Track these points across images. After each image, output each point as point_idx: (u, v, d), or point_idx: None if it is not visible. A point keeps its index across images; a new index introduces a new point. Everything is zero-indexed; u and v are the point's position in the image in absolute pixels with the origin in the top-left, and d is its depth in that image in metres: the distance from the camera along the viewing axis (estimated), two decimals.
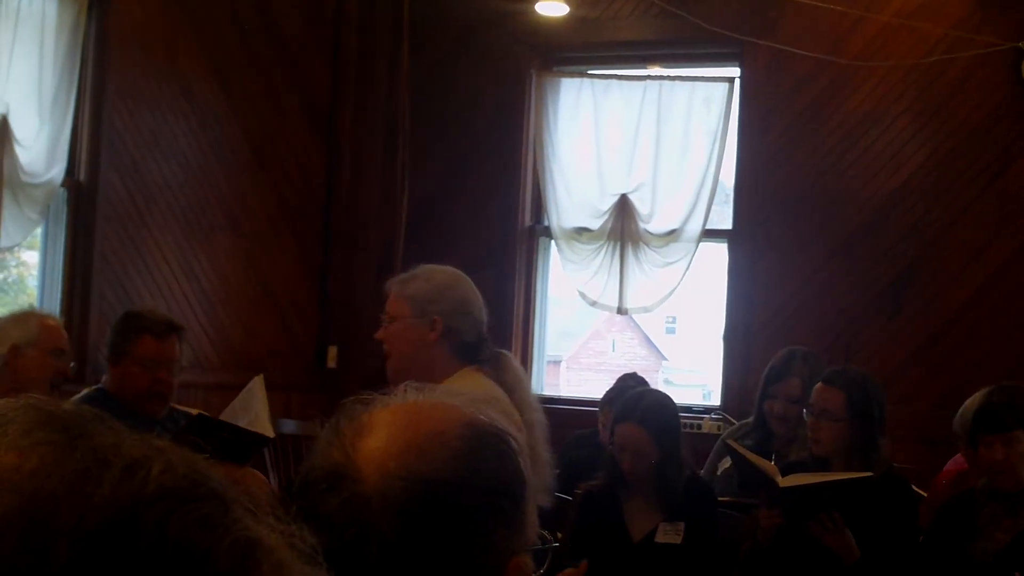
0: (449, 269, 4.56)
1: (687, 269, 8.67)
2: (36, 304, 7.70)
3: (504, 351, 4.68)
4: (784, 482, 5.19)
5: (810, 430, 5.46)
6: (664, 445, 5.38)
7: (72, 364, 5.58)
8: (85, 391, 5.39)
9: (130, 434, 0.89)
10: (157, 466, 0.85)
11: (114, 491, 0.82)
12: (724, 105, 8.63)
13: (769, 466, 5.38)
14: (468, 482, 1.54)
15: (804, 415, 5.55)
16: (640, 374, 7.47)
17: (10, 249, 7.77)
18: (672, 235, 8.66)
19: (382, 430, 1.58)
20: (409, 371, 4.21)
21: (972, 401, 5.35)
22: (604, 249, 8.78)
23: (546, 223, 9.08)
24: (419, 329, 4.40)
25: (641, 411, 5.42)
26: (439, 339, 4.40)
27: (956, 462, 6.20)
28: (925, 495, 6.06)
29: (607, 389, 6.98)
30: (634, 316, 10.06)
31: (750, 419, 6.51)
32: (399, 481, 1.51)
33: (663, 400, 5.65)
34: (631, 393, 5.88)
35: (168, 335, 5.30)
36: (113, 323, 5.52)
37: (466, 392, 4.34)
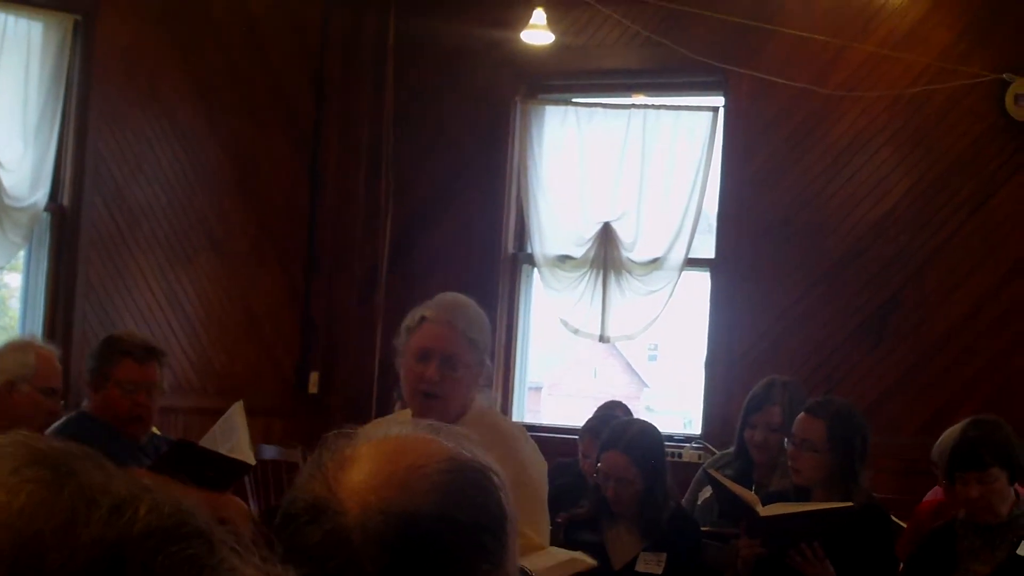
0: (471, 300, 4.38)
1: (669, 297, 8.67)
2: (18, 327, 7.69)
3: None
4: (765, 511, 5.19)
5: (791, 459, 5.46)
6: (649, 474, 5.38)
7: (62, 403, 5.57)
8: (67, 416, 5.38)
9: (118, 472, 0.89)
10: (144, 506, 0.85)
11: (101, 531, 0.82)
12: (708, 134, 8.65)
13: (750, 495, 5.39)
14: (449, 517, 1.53)
15: (785, 444, 5.55)
16: (622, 400, 7.47)
17: None
18: (655, 263, 8.66)
19: (364, 463, 1.57)
20: (450, 414, 4.08)
21: (949, 434, 5.36)
22: (587, 277, 8.77)
23: (529, 250, 9.08)
24: (476, 377, 4.23)
25: (627, 440, 5.43)
26: (480, 384, 4.28)
27: (936, 492, 6.20)
28: (905, 525, 6.06)
29: (588, 418, 6.97)
30: (616, 344, 10.05)
31: (731, 448, 6.51)
32: (379, 515, 1.51)
33: (648, 430, 5.66)
34: (617, 422, 5.89)
35: (148, 359, 5.29)
36: (93, 348, 5.51)
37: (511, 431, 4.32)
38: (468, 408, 4.22)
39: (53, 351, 5.53)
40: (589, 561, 4.76)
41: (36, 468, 0.86)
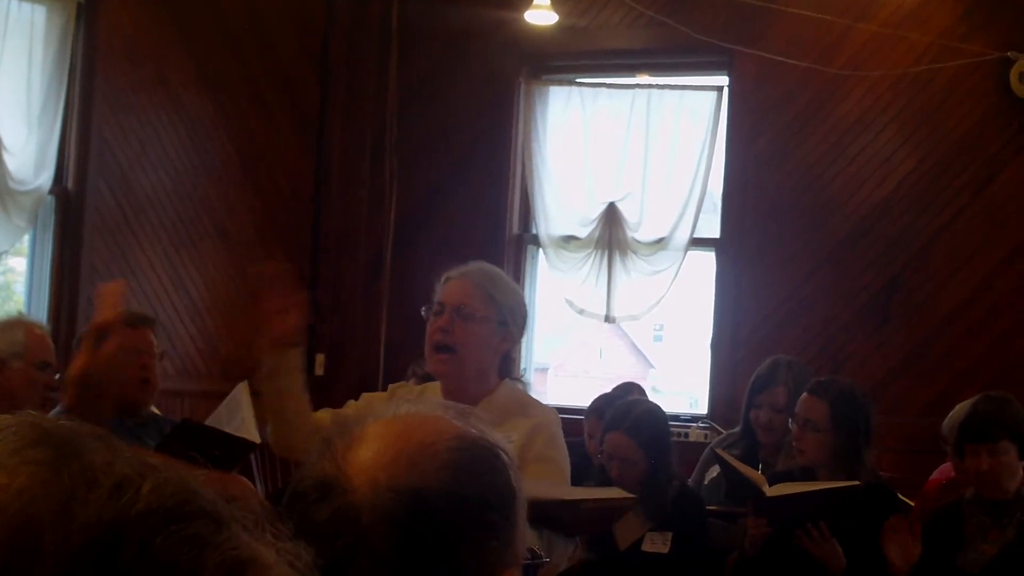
0: (498, 269, 4.39)
1: (675, 277, 8.66)
2: (24, 311, 7.69)
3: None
4: (771, 491, 5.19)
5: (795, 440, 5.46)
6: (653, 455, 5.39)
7: (57, 376, 5.56)
8: None
9: (126, 451, 0.88)
10: (147, 485, 0.84)
11: (99, 511, 0.81)
12: (712, 114, 8.63)
13: (756, 475, 5.39)
14: (458, 495, 1.54)
15: (789, 425, 5.55)
16: (638, 384, 7.46)
17: None
18: (660, 243, 8.66)
19: (373, 442, 1.57)
20: (468, 376, 4.11)
21: (960, 409, 5.36)
22: (592, 257, 8.77)
23: (534, 231, 9.07)
24: (496, 337, 4.17)
25: (631, 421, 5.43)
26: (502, 352, 4.22)
27: (943, 471, 6.21)
28: (912, 504, 6.06)
29: (595, 398, 6.96)
30: (621, 324, 10.04)
31: (737, 428, 6.51)
32: (389, 492, 1.51)
33: (653, 410, 5.66)
34: (621, 403, 5.88)
35: (140, 324, 5.33)
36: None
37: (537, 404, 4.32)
38: (492, 378, 4.19)
39: (43, 327, 5.54)
40: (624, 494, 4.79)
41: (39, 449, 0.86)
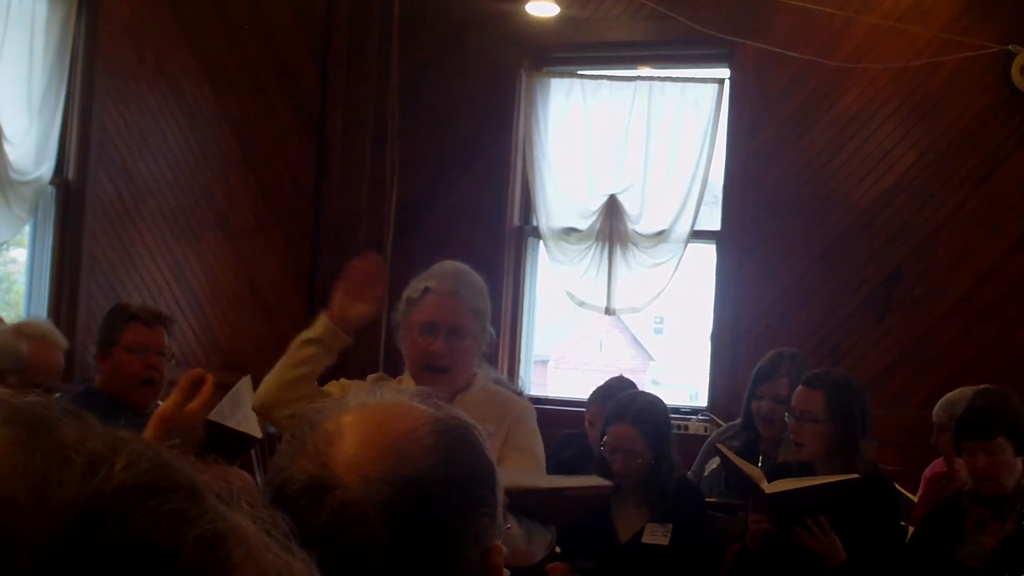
0: (470, 268, 4.35)
1: (675, 270, 8.66)
2: (23, 302, 7.68)
3: None
4: (770, 488, 5.19)
5: (792, 433, 5.46)
6: (656, 446, 5.40)
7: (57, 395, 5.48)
8: (73, 392, 5.37)
9: (98, 426, 0.87)
10: (121, 461, 0.83)
11: (74, 492, 0.80)
12: (713, 106, 8.63)
13: (755, 471, 5.39)
14: (449, 476, 1.58)
15: (786, 418, 5.55)
16: (628, 375, 7.45)
17: None
18: (661, 236, 8.65)
19: (352, 436, 1.59)
20: (456, 385, 4.10)
21: (954, 396, 5.38)
22: (592, 249, 8.77)
23: (535, 223, 9.07)
24: (480, 344, 4.20)
25: (634, 412, 5.44)
26: (481, 353, 4.24)
27: (935, 466, 6.25)
28: (914, 498, 6.08)
29: (595, 388, 6.96)
30: (622, 316, 10.05)
31: (738, 420, 6.52)
32: (384, 485, 1.53)
33: (654, 401, 5.68)
34: (623, 395, 5.90)
35: (156, 323, 5.30)
36: (100, 320, 5.51)
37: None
38: (472, 379, 4.22)
39: (57, 344, 5.22)
40: (603, 481, 4.83)
41: (10, 428, 0.84)
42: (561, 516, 4.50)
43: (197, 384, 3.28)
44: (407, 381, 4.25)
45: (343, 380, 4.31)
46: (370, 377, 4.44)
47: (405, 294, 4.25)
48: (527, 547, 4.11)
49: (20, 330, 5.20)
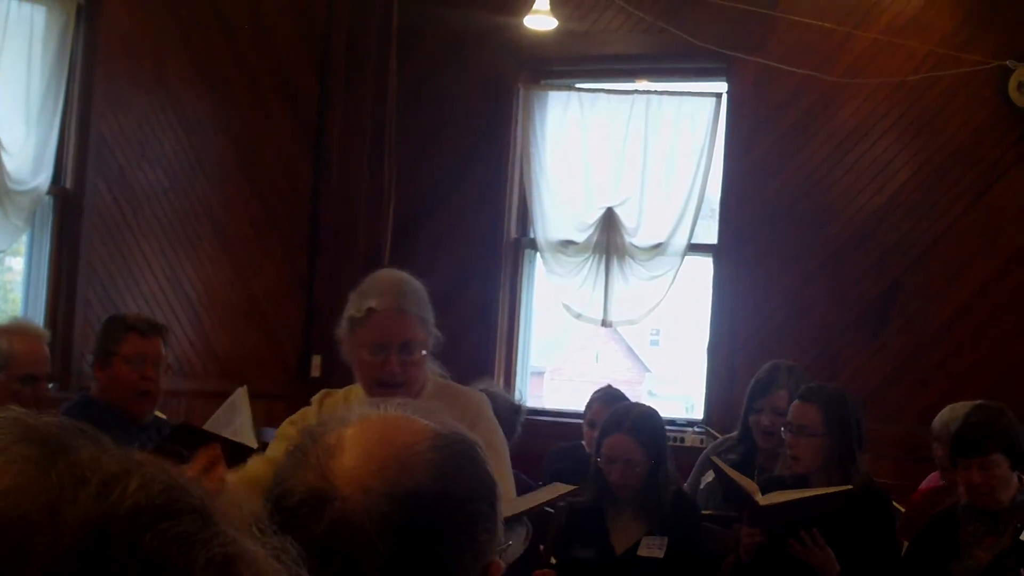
0: (406, 274, 4.24)
1: (672, 282, 8.67)
2: (20, 311, 7.68)
3: None
4: (764, 500, 5.19)
5: (789, 448, 5.46)
6: (653, 455, 5.39)
7: (51, 385, 5.48)
8: (70, 401, 5.37)
9: (112, 447, 0.88)
10: (134, 482, 0.83)
11: (87, 511, 0.81)
12: (711, 120, 8.64)
13: (750, 484, 5.39)
14: (449, 491, 1.58)
15: (782, 433, 5.55)
16: (622, 387, 7.45)
17: None
18: (657, 248, 8.66)
19: (354, 448, 1.59)
20: (412, 396, 4.02)
21: (951, 411, 5.38)
22: (589, 262, 8.77)
23: (532, 235, 9.08)
24: (429, 350, 4.13)
25: (630, 422, 5.44)
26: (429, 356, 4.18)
27: (932, 479, 6.25)
28: (901, 509, 6.08)
29: (592, 393, 6.96)
30: (618, 329, 10.06)
31: (734, 433, 6.51)
32: (384, 498, 1.53)
33: (650, 412, 5.68)
34: (618, 406, 5.90)
35: (152, 333, 5.31)
36: (97, 330, 5.51)
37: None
38: (426, 382, 4.18)
39: (39, 335, 5.35)
40: (566, 488, 4.85)
41: (26, 446, 0.85)
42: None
43: (213, 463, 3.30)
44: (356, 391, 4.21)
45: (303, 410, 4.27)
46: (315, 398, 4.34)
47: (347, 313, 4.14)
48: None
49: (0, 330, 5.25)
